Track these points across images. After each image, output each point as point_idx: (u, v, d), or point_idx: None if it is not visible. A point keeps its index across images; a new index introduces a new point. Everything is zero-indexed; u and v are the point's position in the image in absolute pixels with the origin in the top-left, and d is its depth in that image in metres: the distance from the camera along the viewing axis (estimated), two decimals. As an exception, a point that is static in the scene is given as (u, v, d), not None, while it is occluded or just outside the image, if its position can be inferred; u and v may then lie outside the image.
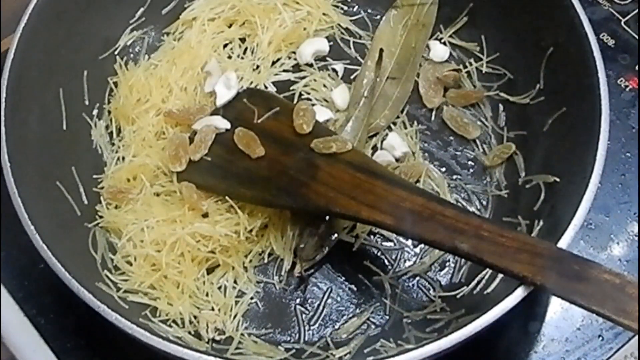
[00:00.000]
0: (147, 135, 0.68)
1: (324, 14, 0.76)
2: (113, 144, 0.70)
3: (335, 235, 0.64)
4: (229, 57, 0.74)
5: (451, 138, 0.71)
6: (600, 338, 0.62)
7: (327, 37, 0.75)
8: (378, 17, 0.76)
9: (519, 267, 0.49)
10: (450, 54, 0.74)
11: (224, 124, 0.67)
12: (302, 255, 0.63)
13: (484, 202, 0.67)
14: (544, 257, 0.49)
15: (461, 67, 0.73)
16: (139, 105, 0.69)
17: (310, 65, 0.74)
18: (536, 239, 0.52)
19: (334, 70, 0.74)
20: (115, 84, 0.71)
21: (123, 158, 0.68)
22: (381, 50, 0.71)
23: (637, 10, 0.77)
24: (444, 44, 0.74)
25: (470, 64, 0.73)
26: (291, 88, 0.73)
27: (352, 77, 0.73)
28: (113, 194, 0.65)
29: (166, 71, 0.71)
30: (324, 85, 0.73)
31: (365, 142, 0.68)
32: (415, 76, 0.73)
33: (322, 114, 0.68)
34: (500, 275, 0.58)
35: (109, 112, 0.70)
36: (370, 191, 0.57)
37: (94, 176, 0.66)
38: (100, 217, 0.64)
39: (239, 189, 0.63)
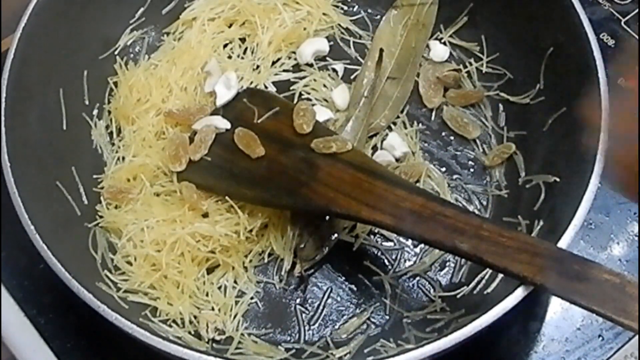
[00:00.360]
0: (147, 135, 0.68)
1: (324, 14, 0.76)
2: (113, 144, 0.69)
3: (335, 235, 0.64)
4: (229, 57, 0.74)
5: (451, 138, 0.71)
6: (600, 338, 0.62)
7: (327, 37, 0.75)
8: (378, 17, 0.76)
9: (519, 267, 0.49)
10: (450, 54, 0.74)
11: (224, 124, 0.67)
12: (302, 255, 0.63)
13: (484, 202, 0.67)
14: (544, 257, 0.49)
15: (461, 67, 0.73)
16: (139, 105, 0.69)
17: (310, 65, 0.74)
18: (536, 239, 0.52)
19: (334, 70, 0.74)
20: (115, 84, 0.71)
21: (123, 158, 0.68)
22: (381, 50, 0.71)
23: (637, 10, 0.77)
24: (444, 44, 0.74)
25: (470, 64, 0.73)
26: (291, 88, 0.73)
27: (352, 77, 0.73)
28: (113, 194, 0.65)
29: (166, 71, 0.71)
30: (324, 85, 0.73)
31: (365, 142, 0.68)
32: (415, 76, 0.73)
33: (322, 114, 0.68)
34: (500, 275, 0.58)
35: (109, 112, 0.70)
36: (370, 191, 0.57)
37: (94, 176, 0.66)
38: (100, 217, 0.64)
39: (239, 189, 0.63)
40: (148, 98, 0.69)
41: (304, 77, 0.73)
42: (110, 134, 0.70)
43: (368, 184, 0.57)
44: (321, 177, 0.59)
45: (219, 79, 0.70)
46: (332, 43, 0.75)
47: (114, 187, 0.65)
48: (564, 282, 0.47)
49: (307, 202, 0.59)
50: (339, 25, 0.76)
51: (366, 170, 0.59)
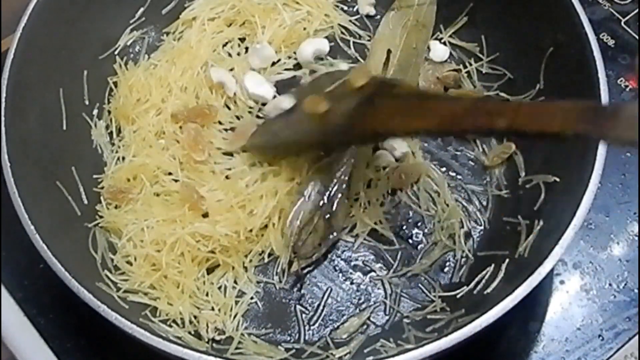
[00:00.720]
0: (147, 135, 0.68)
1: (325, 14, 0.76)
2: (113, 144, 0.69)
3: (334, 234, 0.64)
4: (229, 55, 0.74)
5: (451, 138, 0.70)
6: (600, 338, 0.62)
7: (327, 37, 0.75)
8: (378, 17, 0.76)
9: (555, 125, 0.47)
10: (450, 54, 0.74)
11: (289, 102, 0.68)
12: (300, 253, 0.63)
13: (484, 202, 0.67)
14: (579, 110, 0.47)
15: (461, 67, 0.73)
16: (139, 105, 0.69)
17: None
18: (574, 102, 0.49)
19: (334, 70, 0.74)
20: (115, 83, 0.71)
21: (123, 158, 0.68)
22: (389, 52, 0.70)
23: (637, 10, 0.77)
24: (444, 44, 0.74)
25: (470, 64, 0.73)
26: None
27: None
28: (113, 194, 0.65)
29: (166, 71, 0.71)
30: None
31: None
32: (417, 77, 0.72)
33: None
34: (500, 275, 0.58)
35: (109, 112, 0.70)
36: (420, 107, 0.56)
37: (94, 176, 0.66)
38: (101, 217, 0.64)
39: (295, 139, 0.64)
40: (148, 98, 0.69)
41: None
42: (110, 134, 0.70)
43: (418, 104, 0.57)
44: (375, 109, 0.59)
45: (235, 84, 0.71)
46: (332, 43, 0.75)
47: (114, 187, 0.65)
48: (598, 122, 0.45)
49: (362, 132, 0.59)
50: (340, 25, 0.76)
51: (416, 95, 0.60)
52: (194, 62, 0.72)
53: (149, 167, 0.66)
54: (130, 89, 0.70)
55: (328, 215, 0.63)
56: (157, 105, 0.69)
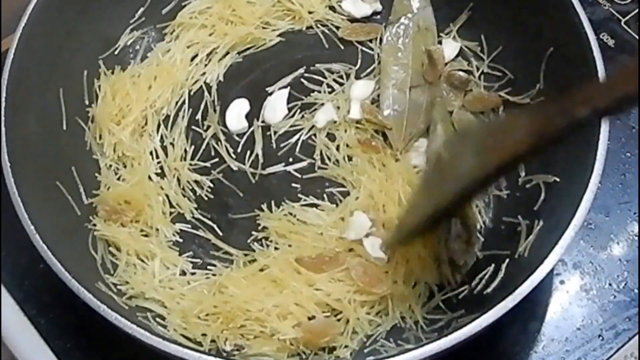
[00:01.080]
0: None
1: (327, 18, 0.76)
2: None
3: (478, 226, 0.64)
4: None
5: (451, 138, 0.70)
6: (600, 338, 0.62)
7: (324, 36, 0.75)
8: (378, 17, 0.77)
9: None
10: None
11: None
12: (458, 262, 0.62)
13: (484, 202, 0.67)
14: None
15: (474, 69, 0.72)
16: (118, 116, 0.68)
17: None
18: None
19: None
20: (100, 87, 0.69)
21: (117, 168, 0.67)
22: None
23: (637, 10, 0.77)
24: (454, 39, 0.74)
25: (470, 64, 0.73)
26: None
27: (362, 75, 0.73)
28: (108, 213, 0.63)
29: (145, 86, 0.70)
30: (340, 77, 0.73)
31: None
32: (437, 77, 0.71)
33: (329, 113, 0.69)
34: (500, 275, 0.58)
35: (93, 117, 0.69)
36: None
37: (95, 175, 0.66)
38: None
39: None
40: (126, 113, 0.68)
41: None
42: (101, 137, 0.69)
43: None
44: None
45: None
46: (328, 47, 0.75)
47: (107, 206, 0.63)
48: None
49: None
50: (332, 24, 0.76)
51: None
52: (173, 82, 0.71)
53: (138, 197, 0.64)
54: (113, 95, 0.68)
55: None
56: (137, 120, 0.68)
